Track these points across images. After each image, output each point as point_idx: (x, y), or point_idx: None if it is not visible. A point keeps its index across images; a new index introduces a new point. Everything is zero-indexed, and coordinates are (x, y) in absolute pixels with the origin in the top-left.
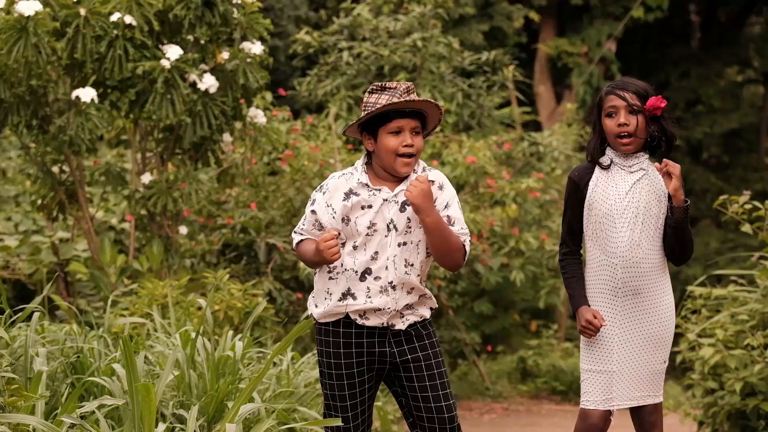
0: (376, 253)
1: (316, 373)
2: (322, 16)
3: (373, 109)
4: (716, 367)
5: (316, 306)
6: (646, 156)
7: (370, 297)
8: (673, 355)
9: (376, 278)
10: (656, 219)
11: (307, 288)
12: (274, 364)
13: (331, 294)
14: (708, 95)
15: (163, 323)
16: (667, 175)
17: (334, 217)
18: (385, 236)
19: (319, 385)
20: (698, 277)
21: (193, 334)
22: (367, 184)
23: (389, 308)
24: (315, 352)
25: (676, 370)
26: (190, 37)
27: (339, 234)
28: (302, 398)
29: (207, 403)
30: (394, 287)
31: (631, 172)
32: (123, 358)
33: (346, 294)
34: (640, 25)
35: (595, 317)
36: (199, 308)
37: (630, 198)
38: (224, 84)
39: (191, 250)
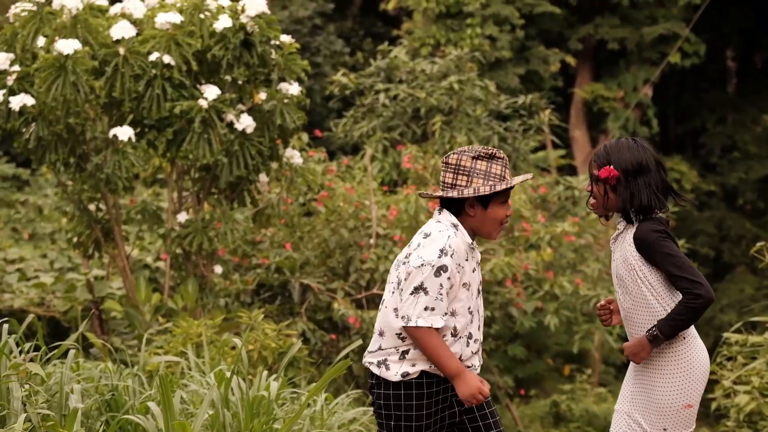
0: (472, 314)
1: (349, 414)
2: (359, 59)
3: (504, 181)
4: (752, 414)
5: (414, 365)
6: (621, 220)
7: (472, 360)
8: (707, 401)
9: (475, 340)
10: (632, 287)
11: (340, 329)
12: (308, 404)
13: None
14: (744, 141)
15: (197, 362)
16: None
17: (460, 278)
18: (476, 298)
19: (353, 427)
20: (733, 323)
21: (228, 374)
22: (473, 247)
23: (477, 366)
24: (348, 394)
25: (710, 417)
26: (228, 77)
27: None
28: None
29: None
30: (480, 346)
31: (613, 238)
32: (159, 396)
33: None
34: (677, 71)
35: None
36: (234, 348)
37: (613, 263)
38: (261, 124)
39: (226, 290)
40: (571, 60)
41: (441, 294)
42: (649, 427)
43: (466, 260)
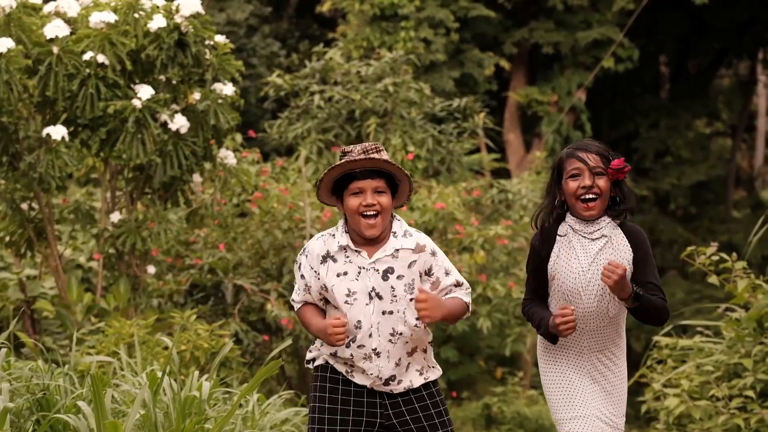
0: (359, 321)
1: (281, 415)
2: (294, 61)
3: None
4: (681, 417)
5: (310, 351)
6: (608, 221)
7: (353, 365)
8: (637, 404)
9: (359, 346)
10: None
11: (273, 330)
12: (240, 405)
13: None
14: (677, 146)
15: (129, 362)
16: (607, 276)
17: (319, 281)
18: (366, 305)
19: (285, 428)
20: (664, 327)
21: (160, 374)
22: (346, 247)
23: (372, 374)
24: (281, 395)
25: (641, 420)
26: (162, 77)
27: (346, 320)
28: None
29: None
30: (378, 354)
31: (593, 240)
32: (90, 395)
33: (334, 355)
34: (611, 76)
35: (564, 310)
36: (166, 348)
37: (594, 270)
38: (195, 124)
39: (159, 290)
40: (505, 64)
41: (298, 284)
42: (619, 420)
43: (321, 263)
